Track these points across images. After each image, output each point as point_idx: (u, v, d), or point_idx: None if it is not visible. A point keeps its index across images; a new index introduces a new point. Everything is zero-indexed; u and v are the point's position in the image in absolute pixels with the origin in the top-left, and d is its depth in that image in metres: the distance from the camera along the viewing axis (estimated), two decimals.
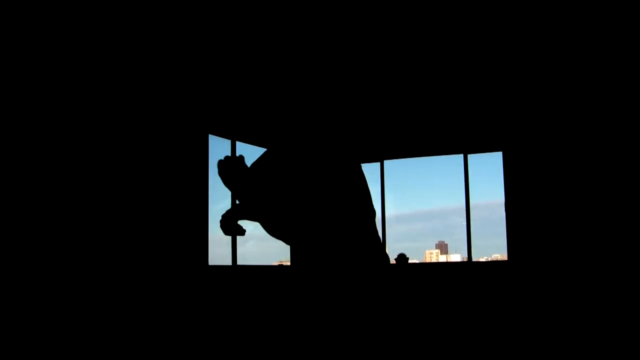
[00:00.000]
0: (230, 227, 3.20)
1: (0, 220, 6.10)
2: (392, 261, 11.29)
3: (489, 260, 11.19)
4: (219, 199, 9.51)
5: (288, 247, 10.76)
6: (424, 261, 12.85)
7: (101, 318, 7.02)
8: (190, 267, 8.45)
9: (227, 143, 9.52)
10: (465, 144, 11.04)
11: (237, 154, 9.01)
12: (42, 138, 6.60)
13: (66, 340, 6.54)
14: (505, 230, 10.54)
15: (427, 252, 13.84)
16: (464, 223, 11.06)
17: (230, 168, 3.10)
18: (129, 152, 7.68)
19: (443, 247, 13.73)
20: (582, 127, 10.02)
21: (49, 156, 6.67)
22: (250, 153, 10.13)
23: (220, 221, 3.23)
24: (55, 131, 6.76)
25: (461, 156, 11.14)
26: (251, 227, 9.87)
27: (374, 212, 3.07)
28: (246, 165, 3.16)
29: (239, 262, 9.50)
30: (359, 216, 2.97)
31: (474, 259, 10.92)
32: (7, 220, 6.17)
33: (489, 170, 11.37)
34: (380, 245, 3.04)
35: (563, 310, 9.65)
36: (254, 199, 3.08)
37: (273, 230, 3.09)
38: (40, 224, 6.51)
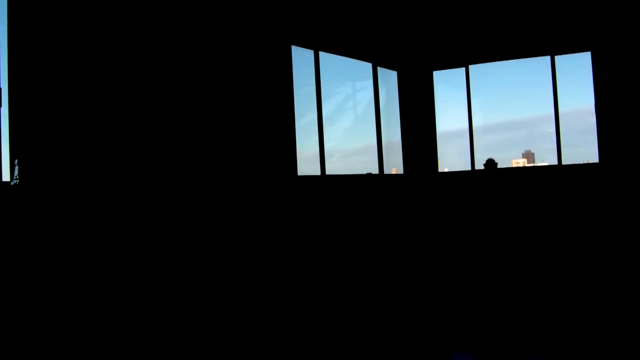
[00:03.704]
0: None
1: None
2: (481, 167, 11.22)
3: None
4: (304, 113, 9.54)
5: (372, 161, 10.80)
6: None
7: (204, 220, 7.28)
8: (280, 177, 8.59)
9: (309, 53, 9.49)
10: (551, 44, 10.72)
11: (321, 65, 8.97)
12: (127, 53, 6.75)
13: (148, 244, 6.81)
14: (595, 138, 10.32)
15: (514, 161, 13.62)
16: (552, 130, 10.83)
17: None
18: (213, 67, 7.76)
19: (530, 157, 13.45)
20: None
21: (144, 72, 6.82)
22: (334, 62, 10.09)
23: None
24: (146, 41, 6.90)
25: (548, 58, 10.83)
26: (333, 143, 9.81)
27: None
28: None
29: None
30: None
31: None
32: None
33: (574, 74, 11.01)
34: None
35: None
36: None
37: None
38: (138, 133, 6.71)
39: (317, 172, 9.51)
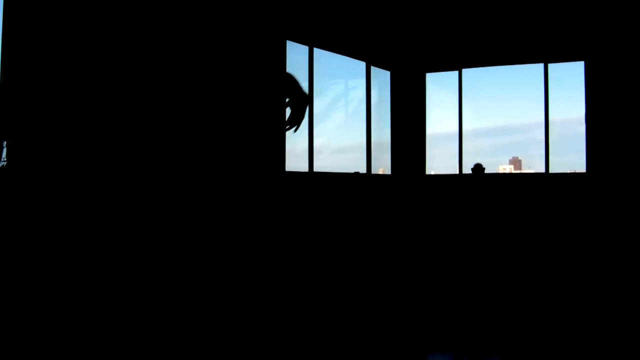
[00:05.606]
0: None
1: None
2: (469, 171, 11.22)
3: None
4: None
5: (360, 159, 10.78)
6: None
7: (186, 215, 7.22)
8: (268, 172, 8.55)
9: (304, 49, 9.45)
10: (545, 51, 10.73)
11: (314, 62, 8.94)
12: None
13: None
14: (583, 147, 10.35)
15: (501, 167, 13.66)
16: (541, 138, 10.85)
17: None
18: (203, 60, 7.70)
19: (517, 163, 13.49)
20: None
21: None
22: (327, 59, 10.05)
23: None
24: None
25: (541, 65, 10.84)
26: (323, 140, 9.76)
27: None
28: None
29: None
30: None
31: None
32: None
33: (566, 83, 11.03)
34: None
35: None
36: None
37: None
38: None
39: (306, 169, 9.48)
